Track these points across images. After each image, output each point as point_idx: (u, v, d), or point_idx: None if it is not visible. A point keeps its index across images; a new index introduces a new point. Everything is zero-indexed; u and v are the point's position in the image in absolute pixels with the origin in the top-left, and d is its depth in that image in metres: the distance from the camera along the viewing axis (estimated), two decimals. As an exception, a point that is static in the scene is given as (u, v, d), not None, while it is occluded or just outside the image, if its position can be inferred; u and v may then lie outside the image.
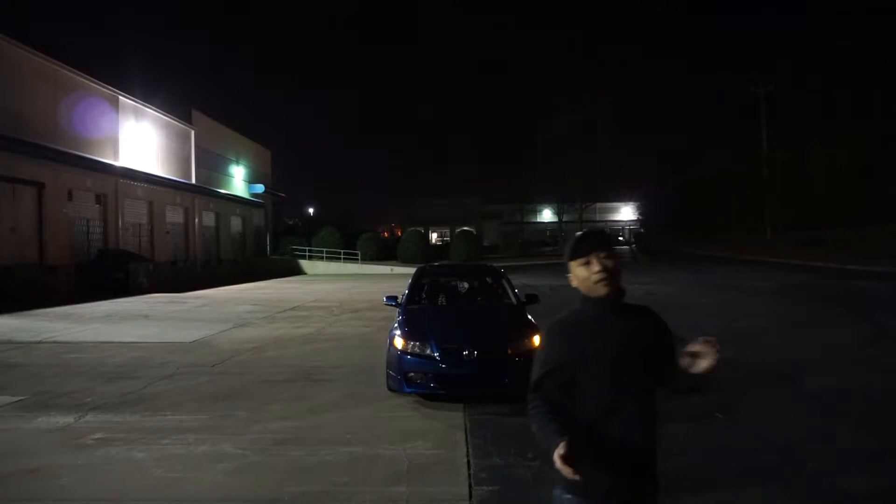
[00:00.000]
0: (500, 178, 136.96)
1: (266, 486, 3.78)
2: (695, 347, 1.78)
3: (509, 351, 5.51)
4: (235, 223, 33.55)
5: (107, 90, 22.49)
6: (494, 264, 9.23)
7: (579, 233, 1.95)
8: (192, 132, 29.49)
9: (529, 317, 6.22)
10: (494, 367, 5.47)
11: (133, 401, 5.87)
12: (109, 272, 19.24)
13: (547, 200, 59.33)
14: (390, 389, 5.75)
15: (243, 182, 36.20)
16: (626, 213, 79.84)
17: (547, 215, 68.68)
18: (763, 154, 42.56)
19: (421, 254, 34.89)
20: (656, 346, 1.87)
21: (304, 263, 34.26)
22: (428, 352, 5.52)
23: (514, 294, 6.93)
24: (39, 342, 9.51)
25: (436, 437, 4.70)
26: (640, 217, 77.42)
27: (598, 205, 64.24)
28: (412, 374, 5.49)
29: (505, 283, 7.32)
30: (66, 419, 5.25)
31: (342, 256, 34.49)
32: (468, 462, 4.15)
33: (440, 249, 42.81)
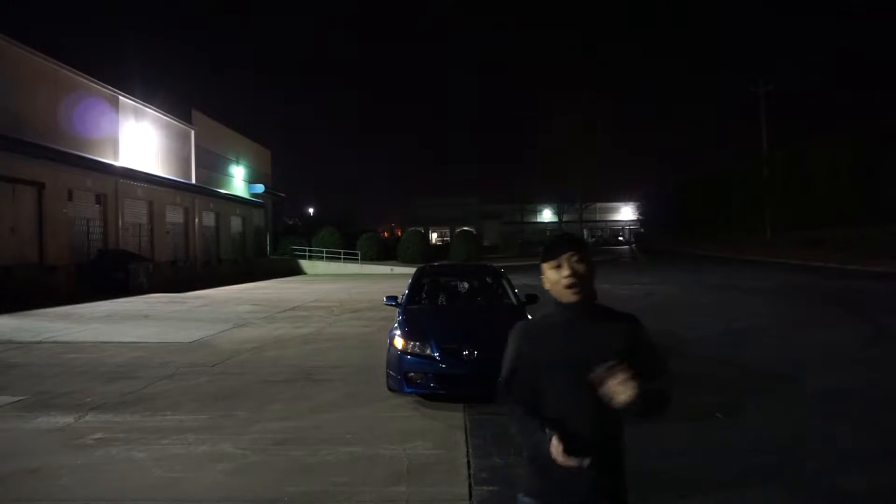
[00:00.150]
0: (500, 178, 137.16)
1: (266, 486, 3.78)
2: (599, 376, 1.62)
3: None
4: (235, 223, 33.55)
5: (107, 90, 22.49)
6: (494, 264, 9.23)
7: (556, 234, 1.92)
8: (192, 132, 29.50)
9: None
10: (494, 367, 5.44)
11: (133, 401, 5.87)
12: (109, 272, 19.24)
13: (547, 200, 59.37)
14: (390, 389, 5.75)
15: (243, 182, 36.20)
16: (626, 213, 79.83)
17: (547, 215, 68.73)
18: (763, 154, 42.56)
19: (421, 254, 34.89)
20: (626, 355, 1.75)
21: (304, 263, 34.26)
22: (428, 352, 5.52)
23: (514, 294, 6.93)
24: (39, 342, 9.51)
25: (436, 437, 4.70)
26: (640, 217, 77.39)
27: (598, 205, 64.33)
28: (412, 374, 5.49)
29: (505, 283, 7.32)
30: (66, 419, 5.25)
31: (342, 256, 34.50)
32: (468, 462, 4.15)
33: (440, 249, 42.83)
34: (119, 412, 5.48)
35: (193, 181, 28.97)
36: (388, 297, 7.34)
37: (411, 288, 7.29)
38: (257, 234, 36.79)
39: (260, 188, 36.90)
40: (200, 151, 30.11)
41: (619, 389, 1.58)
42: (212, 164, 31.77)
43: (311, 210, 63.47)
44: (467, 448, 4.42)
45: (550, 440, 1.64)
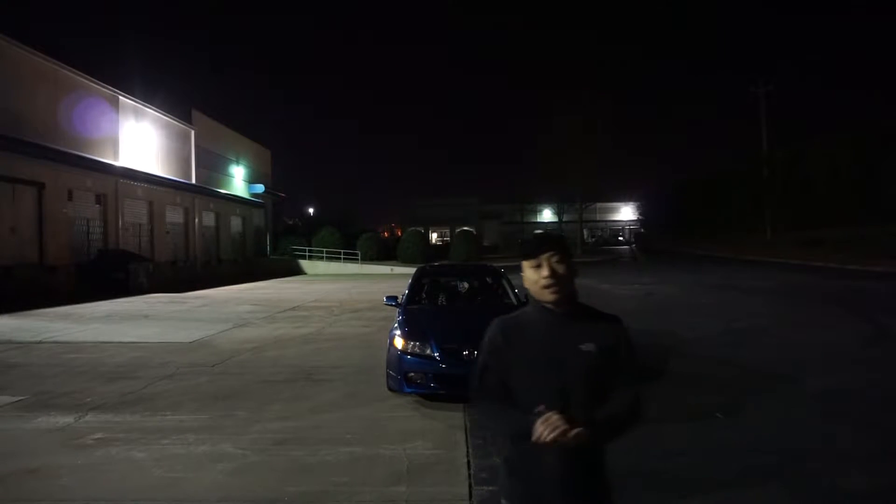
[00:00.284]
0: (500, 178, 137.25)
1: (266, 486, 3.78)
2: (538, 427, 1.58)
3: None
4: (235, 223, 33.55)
5: (107, 90, 22.49)
6: (494, 264, 9.22)
7: (537, 231, 1.88)
8: (192, 132, 29.50)
9: None
10: None
11: (133, 401, 5.87)
12: (109, 272, 19.24)
13: (547, 200, 59.32)
14: (390, 389, 5.75)
15: (243, 182, 36.20)
16: (626, 213, 79.82)
17: (547, 215, 68.71)
18: (763, 154, 42.56)
19: (421, 254, 34.88)
20: (600, 358, 1.73)
21: (304, 263, 34.26)
22: (428, 352, 5.52)
23: (515, 294, 6.93)
24: (39, 342, 9.51)
25: (436, 437, 4.70)
26: (640, 217, 77.39)
27: (598, 205, 64.24)
28: (412, 374, 5.49)
29: (505, 283, 7.32)
30: (66, 419, 5.25)
31: (342, 256, 34.49)
32: (468, 462, 4.15)
33: (440, 249, 42.83)
34: (119, 412, 5.48)
35: (193, 181, 28.96)
36: (388, 297, 7.35)
37: (411, 288, 7.29)
38: (257, 234, 36.79)
39: (260, 188, 36.90)
40: (200, 151, 30.10)
41: (547, 435, 1.55)
42: (212, 164, 31.77)
43: (311, 210, 63.50)
44: (467, 448, 4.42)
45: (534, 422, 1.60)
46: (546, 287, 1.73)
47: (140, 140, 24.56)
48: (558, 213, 54.68)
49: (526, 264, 1.80)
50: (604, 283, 19.61)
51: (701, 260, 33.20)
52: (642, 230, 72.65)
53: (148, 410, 5.54)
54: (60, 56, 19.98)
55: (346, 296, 17.83)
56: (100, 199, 21.46)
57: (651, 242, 57.58)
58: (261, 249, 36.61)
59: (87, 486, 3.80)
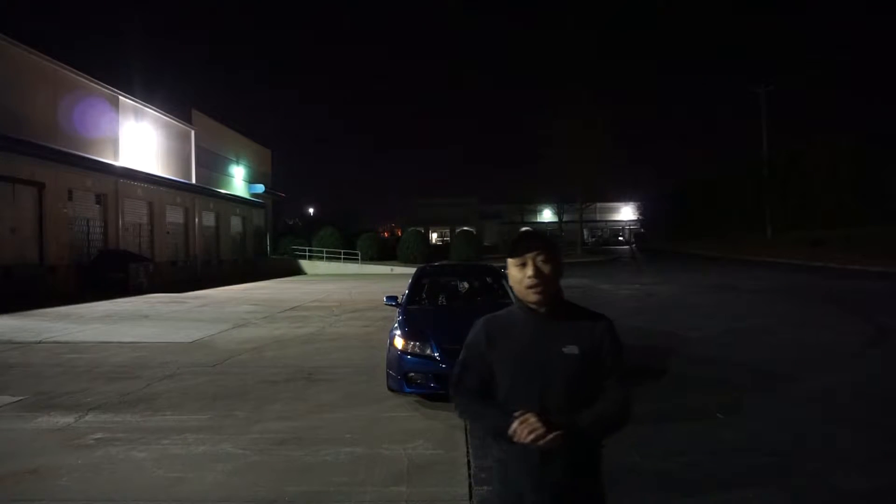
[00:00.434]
0: (499, 178, 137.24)
1: (266, 486, 3.78)
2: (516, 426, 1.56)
3: None
4: (235, 223, 33.56)
5: (107, 90, 22.50)
6: (494, 264, 9.22)
7: (524, 229, 1.85)
8: (192, 132, 29.50)
9: None
10: None
11: (133, 401, 5.87)
12: (109, 272, 19.26)
13: (547, 200, 59.32)
14: (390, 389, 5.75)
15: (243, 182, 36.21)
16: (626, 213, 79.82)
17: (547, 215, 68.71)
18: (763, 154, 42.57)
19: (421, 254, 34.88)
20: (584, 360, 1.68)
21: (304, 263, 34.26)
22: (428, 352, 5.52)
23: (514, 294, 6.92)
24: (39, 342, 9.51)
25: (436, 437, 4.69)
26: (641, 217, 77.40)
27: (598, 205, 64.21)
28: (412, 374, 5.49)
29: (505, 283, 7.31)
30: (66, 419, 5.25)
31: (342, 256, 34.50)
32: (468, 462, 4.14)
33: (440, 249, 42.81)
34: (119, 412, 5.48)
35: (193, 181, 28.97)
36: (388, 297, 7.34)
37: (411, 288, 7.29)
38: (257, 234, 36.80)
39: (260, 188, 36.91)
40: (200, 151, 30.11)
41: (525, 436, 1.53)
42: (212, 164, 31.77)
43: (311, 210, 63.56)
44: (467, 448, 4.42)
45: (511, 422, 1.58)
46: (530, 287, 1.69)
47: (140, 140, 24.56)
48: (558, 213, 54.67)
49: (511, 262, 1.76)
50: (604, 284, 19.62)
51: (701, 260, 33.20)
52: (642, 230, 72.67)
53: (148, 410, 5.54)
54: (60, 56, 20.03)
55: (346, 296, 17.83)
56: (100, 199, 21.46)
57: (651, 242, 57.62)
58: (261, 249, 36.63)
59: (87, 486, 3.80)
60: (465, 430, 4.87)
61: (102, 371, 7.29)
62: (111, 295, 17.52)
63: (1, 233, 16.76)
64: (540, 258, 1.70)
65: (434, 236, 60.96)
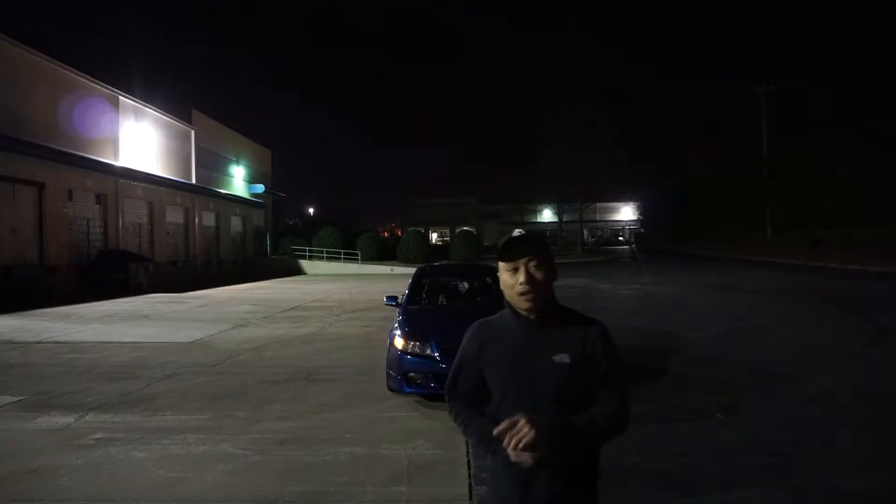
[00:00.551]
0: (499, 178, 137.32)
1: (266, 485, 3.78)
2: (500, 430, 1.50)
3: None
4: (235, 223, 33.56)
5: (107, 90, 22.50)
6: (494, 264, 9.22)
7: (515, 232, 1.70)
8: (192, 132, 29.50)
9: None
10: None
11: (133, 401, 5.87)
12: (109, 272, 19.26)
13: (547, 200, 59.33)
14: (390, 389, 5.75)
15: (243, 182, 36.21)
16: (626, 213, 79.83)
17: (547, 215, 68.72)
18: (763, 154, 42.58)
19: (421, 254, 34.89)
20: (575, 368, 1.62)
21: (304, 263, 34.27)
22: (428, 352, 5.52)
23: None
24: (39, 342, 9.51)
25: (436, 437, 4.69)
26: (641, 217, 77.42)
27: (598, 205, 64.23)
28: (412, 374, 5.49)
29: (498, 276, 7.31)
30: (66, 419, 5.25)
31: (342, 256, 34.50)
32: (468, 462, 4.14)
33: (440, 249, 42.82)
34: (119, 412, 5.48)
35: (193, 181, 28.98)
36: (388, 297, 7.35)
37: (411, 288, 7.29)
38: (257, 234, 36.81)
39: (260, 188, 36.92)
40: (200, 151, 30.11)
41: (513, 447, 1.46)
42: (212, 164, 31.77)
43: (311, 210, 63.58)
44: (467, 448, 4.41)
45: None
46: (522, 294, 1.63)
47: (140, 140, 24.56)
48: (558, 213, 54.67)
49: (502, 267, 1.68)
50: (604, 284, 19.63)
51: (701, 260, 33.21)
52: (642, 230, 72.69)
53: (148, 410, 5.54)
54: (60, 56, 20.03)
55: (346, 296, 17.83)
56: (100, 199, 21.46)
57: (651, 242, 57.60)
58: (261, 249, 36.63)
59: (87, 486, 3.80)
60: (465, 430, 4.86)
61: (102, 371, 7.30)
62: (111, 295, 17.52)
63: (1, 233, 16.76)
64: (532, 264, 1.64)
65: (434, 236, 60.97)
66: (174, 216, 26.66)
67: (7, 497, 3.66)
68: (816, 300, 13.67)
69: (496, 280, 7.18)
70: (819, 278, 19.17)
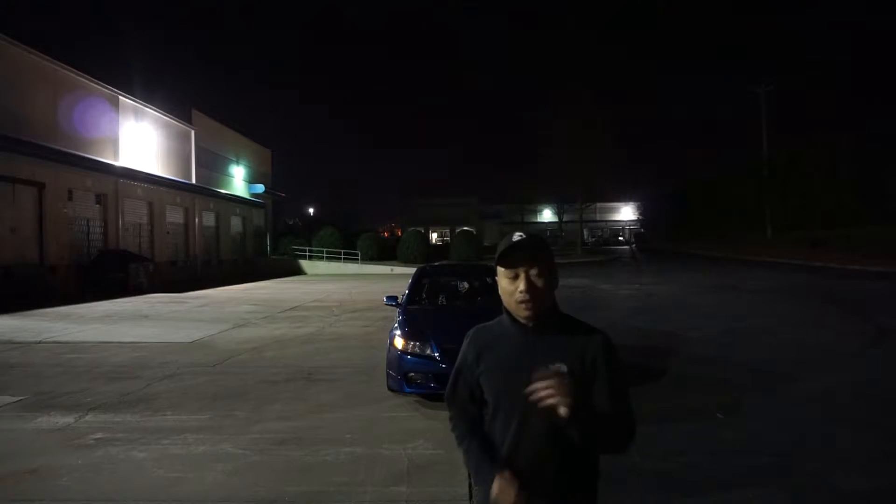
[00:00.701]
0: (500, 178, 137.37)
1: (266, 485, 3.78)
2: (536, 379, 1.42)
3: None
4: (235, 223, 33.56)
5: (107, 90, 22.49)
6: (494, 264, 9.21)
7: (516, 236, 1.59)
8: (192, 132, 29.49)
9: None
10: None
11: (133, 401, 5.87)
12: (109, 272, 19.26)
13: (547, 200, 59.34)
14: (390, 389, 5.75)
15: (243, 182, 36.21)
16: (626, 213, 79.83)
17: (547, 215, 68.71)
18: (763, 154, 42.58)
19: (421, 254, 34.89)
20: (571, 378, 1.48)
21: (304, 263, 34.27)
22: (428, 352, 5.52)
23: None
24: (39, 342, 9.51)
25: (436, 437, 4.69)
26: (641, 217, 77.41)
27: (599, 205, 64.24)
28: (412, 374, 5.49)
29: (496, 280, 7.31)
30: (66, 419, 5.25)
31: (342, 256, 34.50)
32: (468, 462, 4.14)
33: (440, 249, 42.82)
34: (119, 412, 5.48)
35: (193, 181, 28.97)
36: (388, 297, 7.34)
37: (411, 288, 7.29)
38: (257, 234, 36.81)
39: (260, 188, 36.91)
40: (200, 151, 30.11)
41: (550, 397, 1.37)
42: (212, 164, 31.77)
43: (311, 210, 63.59)
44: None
45: (486, 476, 1.52)
46: (521, 302, 1.55)
47: (140, 140, 24.56)
48: (558, 213, 54.67)
49: (501, 272, 1.60)
50: (604, 284, 19.63)
51: (701, 260, 33.21)
52: (642, 230, 72.68)
53: (148, 410, 5.54)
54: (60, 56, 20.02)
55: (346, 296, 17.83)
56: (100, 199, 21.46)
57: (651, 242, 57.58)
58: (261, 249, 36.63)
59: (87, 486, 3.80)
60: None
61: (102, 371, 7.30)
62: (111, 295, 17.52)
63: (1, 233, 16.76)
64: (534, 271, 1.55)
65: (434, 236, 60.96)
66: (174, 216, 26.66)
67: (7, 497, 3.66)
68: (816, 300, 13.67)
69: (496, 280, 7.17)
70: (819, 278, 19.17)
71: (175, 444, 4.55)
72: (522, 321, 1.60)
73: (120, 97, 23.24)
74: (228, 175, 34.33)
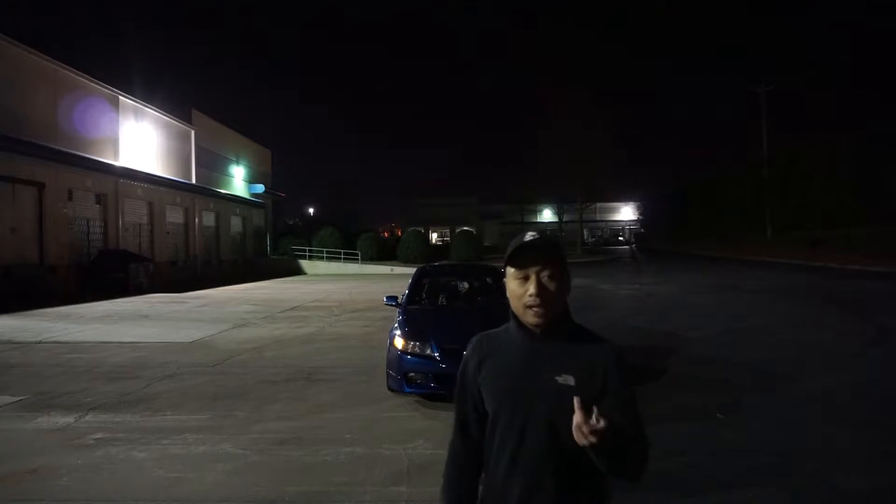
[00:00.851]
0: (500, 178, 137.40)
1: (266, 486, 3.78)
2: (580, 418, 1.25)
3: None
4: (235, 223, 33.56)
5: (107, 90, 22.50)
6: (494, 264, 9.21)
7: (528, 236, 1.49)
8: (192, 132, 29.50)
9: None
10: None
11: (133, 401, 5.87)
12: (109, 272, 19.27)
13: (547, 200, 59.34)
14: (390, 389, 5.75)
15: (243, 182, 36.21)
16: (626, 213, 79.82)
17: (547, 215, 68.72)
18: (763, 154, 42.56)
19: (421, 254, 34.89)
20: (580, 393, 1.33)
21: (305, 263, 34.27)
22: (428, 352, 5.52)
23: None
24: (39, 342, 9.51)
25: (436, 437, 4.69)
26: (641, 217, 77.40)
27: (598, 205, 64.22)
28: (412, 374, 5.49)
29: (505, 283, 7.31)
30: (66, 419, 5.25)
31: (342, 256, 34.50)
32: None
33: (440, 249, 42.82)
34: (119, 412, 5.48)
35: (193, 181, 28.98)
36: (388, 297, 7.34)
37: (411, 288, 7.29)
38: (257, 234, 36.81)
39: (260, 188, 36.92)
40: (200, 151, 30.11)
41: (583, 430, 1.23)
42: (212, 164, 31.77)
43: (311, 210, 63.61)
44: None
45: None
46: (531, 307, 1.44)
47: (140, 140, 24.56)
48: (558, 213, 54.67)
49: (510, 273, 1.49)
50: (604, 284, 19.63)
51: (701, 260, 33.20)
52: (642, 230, 72.66)
53: (148, 410, 5.54)
54: (60, 56, 20.03)
55: (346, 296, 17.83)
56: (100, 199, 21.46)
57: (651, 242, 57.58)
58: (261, 249, 36.64)
59: (87, 486, 3.80)
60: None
61: (102, 371, 7.30)
62: (111, 295, 17.53)
63: (1, 233, 16.76)
64: (546, 273, 1.44)
65: (434, 236, 60.92)
66: (174, 216, 26.66)
67: (7, 497, 3.66)
68: (816, 300, 13.66)
69: (496, 280, 7.16)
70: (819, 278, 19.16)
71: (175, 444, 4.55)
72: (530, 327, 1.48)
73: (120, 97, 23.24)
74: (228, 175, 34.33)
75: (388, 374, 5.76)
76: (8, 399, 5.97)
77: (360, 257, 34.63)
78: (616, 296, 16.05)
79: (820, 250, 28.53)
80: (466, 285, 8.29)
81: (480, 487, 1.62)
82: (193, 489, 3.75)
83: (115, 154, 22.66)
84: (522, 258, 1.46)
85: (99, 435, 4.80)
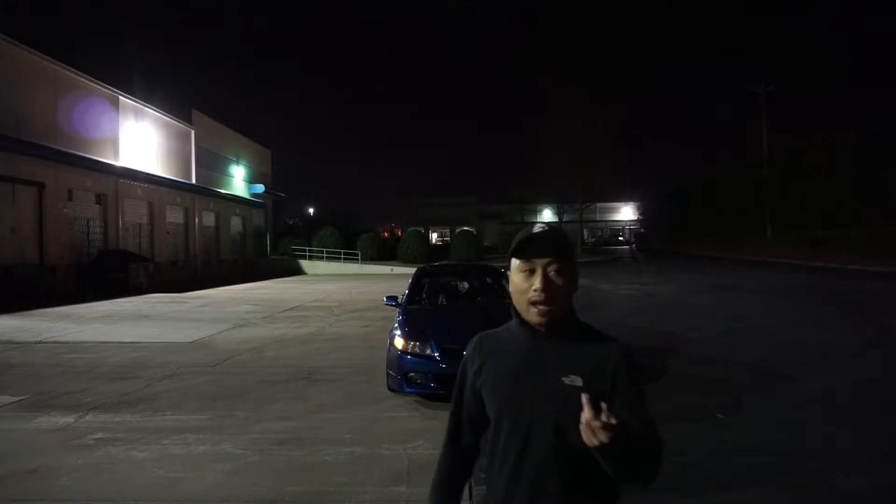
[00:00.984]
0: (500, 178, 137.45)
1: (266, 486, 3.78)
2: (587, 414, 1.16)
3: None
4: (235, 223, 33.56)
5: (107, 90, 22.50)
6: (494, 264, 9.21)
7: (537, 227, 1.40)
8: (192, 132, 29.50)
9: None
10: None
11: (133, 401, 5.87)
12: (109, 272, 19.27)
13: (547, 200, 59.35)
14: (390, 389, 5.75)
15: (243, 182, 36.21)
16: (626, 213, 79.82)
17: (547, 215, 68.74)
18: (763, 154, 42.55)
19: (421, 254, 34.89)
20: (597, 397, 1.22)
21: (304, 263, 34.28)
22: (428, 352, 5.52)
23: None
24: (39, 342, 9.52)
25: (436, 437, 4.69)
26: (641, 217, 77.39)
27: (598, 205, 64.23)
28: (412, 374, 5.49)
29: (505, 283, 7.29)
30: (66, 419, 5.25)
31: (342, 256, 34.51)
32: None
33: (440, 249, 42.81)
34: (119, 412, 5.48)
35: (193, 181, 28.98)
36: (388, 297, 7.35)
37: (411, 288, 7.29)
38: (257, 234, 36.81)
39: (260, 188, 36.92)
40: (200, 151, 30.11)
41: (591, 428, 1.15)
42: (212, 164, 31.77)
43: (311, 210, 63.61)
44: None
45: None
46: (535, 303, 1.35)
47: (140, 140, 24.56)
48: (558, 213, 54.66)
49: (515, 266, 1.40)
50: (604, 284, 19.62)
51: (701, 260, 33.21)
52: (642, 230, 72.66)
53: (148, 410, 5.54)
54: (60, 56, 20.03)
55: (346, 296, 17.83)
56: (100, 199, 21.46)
57: (651, 242, 57.59)
58: (261, 249, 36.64)
59: (87, 486, 3.80)
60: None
61: (102, 371, 7.30)
62: (111, 295, 17.53)
63: (1, 233, 16.76)
64: (553, 268, 1.35)
65: (434, 236, 60.91)
66: (174, 216, 26.67)
67: (7, 497, 3.66)
68: (816, 300, 13.66)
69: (496, 280, 7.15)
70: (819, 278, 19.16)
71: (175, 444, 4.55)
72: (534, 325, 1.40)
73: (120, 97, 23.24)
74: (228, 175, 34.33)
75: (388, 374, 5.76)
76: (8, 399, 5.97)
77: (360, 257, 34.63)
78: (616, 296, 16.04)
79: (820, 250, 28.53)
80: (466, 285, 8.29)
81: (480, 489, 1.64)
82: (193, 489, 3.75)
83: (115, 154, 22.66)
84: (529, 250, 1.37)
85: (99, 435, 4.80)
